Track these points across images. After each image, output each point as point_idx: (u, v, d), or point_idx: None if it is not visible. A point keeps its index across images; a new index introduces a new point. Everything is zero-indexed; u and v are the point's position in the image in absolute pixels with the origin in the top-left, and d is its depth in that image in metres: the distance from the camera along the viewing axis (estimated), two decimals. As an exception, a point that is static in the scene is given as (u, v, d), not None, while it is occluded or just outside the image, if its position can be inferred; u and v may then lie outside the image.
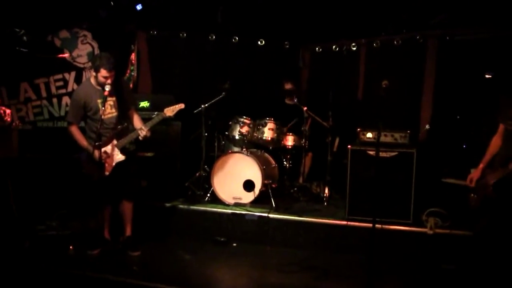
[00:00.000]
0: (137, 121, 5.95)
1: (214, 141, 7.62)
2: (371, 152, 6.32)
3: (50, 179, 7.42)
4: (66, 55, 8.26)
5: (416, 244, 6.06)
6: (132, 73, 8.62)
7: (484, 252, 5.05)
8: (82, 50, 8.32)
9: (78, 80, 8.25)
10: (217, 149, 7.62)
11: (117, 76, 5.78)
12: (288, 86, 8.07)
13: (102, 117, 5.59)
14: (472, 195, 5.14)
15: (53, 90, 8.25)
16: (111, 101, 5.79)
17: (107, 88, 5.57)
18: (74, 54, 8.31)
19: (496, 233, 4.94)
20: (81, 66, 8.33)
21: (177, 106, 5.93)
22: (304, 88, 9.20)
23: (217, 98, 7.49)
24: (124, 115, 5.95)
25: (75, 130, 5.80)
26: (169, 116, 5.93)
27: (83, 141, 5.74)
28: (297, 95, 7.80)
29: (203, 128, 7.43)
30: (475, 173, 5.13)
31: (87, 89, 5.82)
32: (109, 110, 5.80)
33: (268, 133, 7.31)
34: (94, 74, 5.70)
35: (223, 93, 7.49)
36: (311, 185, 7.82)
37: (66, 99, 8.21)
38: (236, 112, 7.61)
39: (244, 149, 7.19)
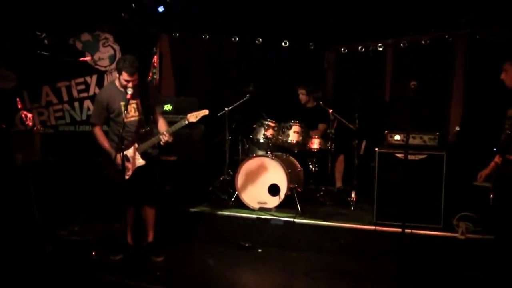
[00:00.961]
0: (161, 125, 5.88)
1: (238, 145, 7.60)
2: (399, 155, 6.16)
3: (72, 182, 7.40)
4: (88, 58, 8.24)
5: (447, 249, 5.90)
6: (155, 76, 8.60)
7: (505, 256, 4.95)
8: (104, 53, 8.31)
9: (99, 83, 8.24)
10: (241, 153, 7.61)
11: (141, 79, 5.73)
12: (301, 91, 7.98)
13: (124, 120, 5.53)
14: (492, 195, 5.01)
15: (75, 93, 8.22)
16: (134, 104, 5.72)
17: (129, 91, 5.51)
18: (96, 57, 8.29)
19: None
20: (103, 69, 8.32)
21: (200, 112, 5.78)
22: (329, 90, 9.10)
23: (241, 101, 7.44)
24: (148, 119, 5.86)
25: (98, 132, 5.74)
26: (192, 122, 5.82)
27: (105, 143, 5.69)
28: (316, 97, 7.73)
29: (226, 131, 7.40)
30: (484, 171, 5.05)
31: (111, 90, 5.77)
32: (132, 113, 5.73)
33: (293, 136, 7.18)
34: (117, 76, 5.65)
35: (247, 95, 7.43)
36: (338, 189, 7.68)
37: (87, 103, 8.19)
38: (260, 115, 7.53)
39: (269, 153, 7.11)
